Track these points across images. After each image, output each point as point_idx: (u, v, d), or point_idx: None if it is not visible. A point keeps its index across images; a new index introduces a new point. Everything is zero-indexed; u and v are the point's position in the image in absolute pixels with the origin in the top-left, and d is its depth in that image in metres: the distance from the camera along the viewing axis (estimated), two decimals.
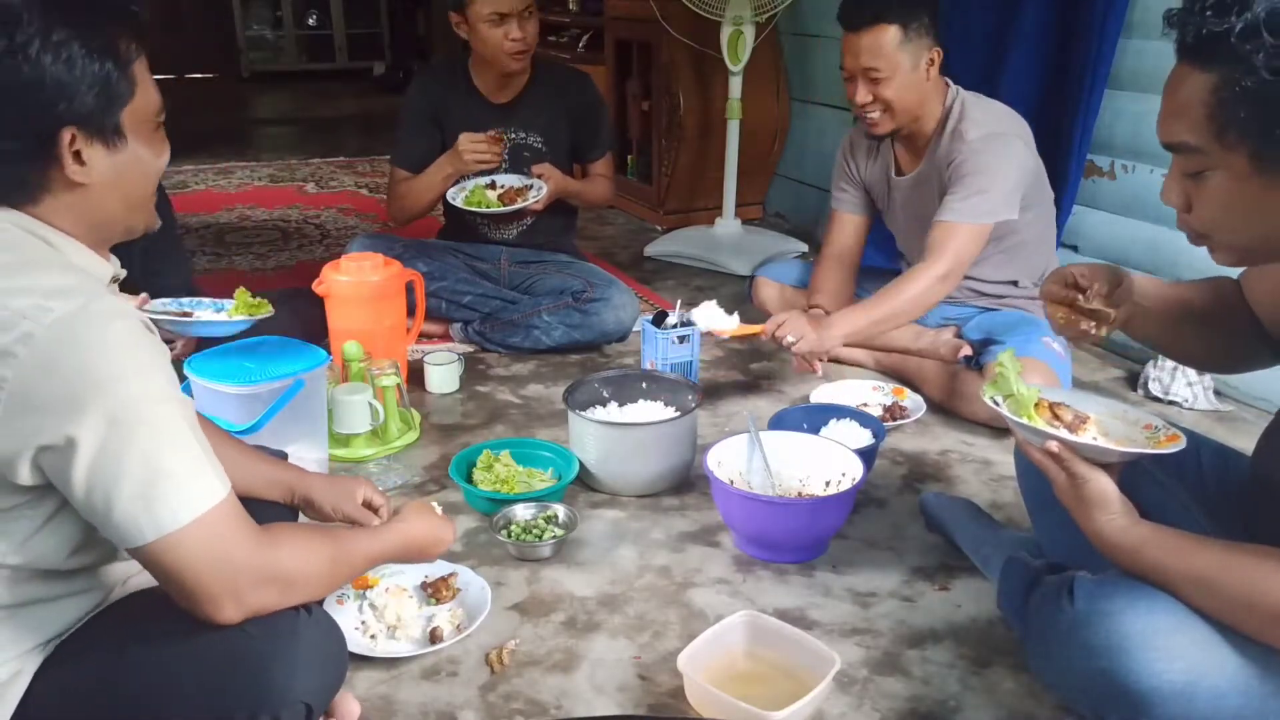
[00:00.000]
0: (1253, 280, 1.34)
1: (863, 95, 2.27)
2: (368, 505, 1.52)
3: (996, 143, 2.24)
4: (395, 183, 2.82)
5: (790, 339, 2.20)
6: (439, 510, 1.47)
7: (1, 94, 1.00)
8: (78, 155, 1.04)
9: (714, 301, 2.36)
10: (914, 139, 2.39)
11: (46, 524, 1.05)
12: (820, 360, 2.29)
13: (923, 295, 2.22)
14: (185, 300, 1.93)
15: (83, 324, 0.97)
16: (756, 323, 2.33)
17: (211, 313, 1.90)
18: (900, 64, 2.23)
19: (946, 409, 2.39)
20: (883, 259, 2.81)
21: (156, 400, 1.00)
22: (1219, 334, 1.38)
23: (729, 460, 1.89)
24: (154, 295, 1.95)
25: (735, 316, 2.32)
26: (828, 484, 1.88)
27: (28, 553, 1.05)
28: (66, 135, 1.03)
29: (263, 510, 1.45)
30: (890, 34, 2.21)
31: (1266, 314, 1.32)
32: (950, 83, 2.35)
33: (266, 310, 1.90)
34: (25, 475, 0.98)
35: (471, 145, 2.62)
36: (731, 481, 1.84)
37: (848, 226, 2.61)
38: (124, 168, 1.09)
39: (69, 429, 0.95)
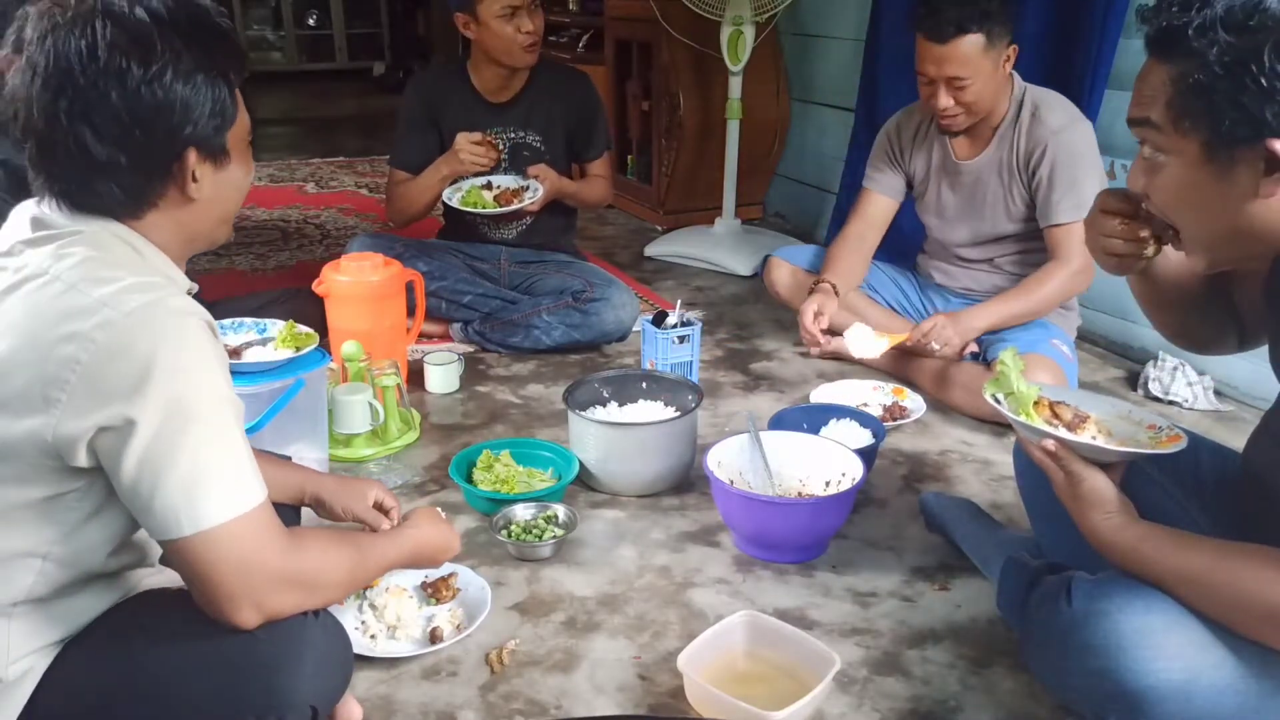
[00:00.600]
0: (1240, 282, 1.35)
1: (945, 101, 2.26)
2: (378, 507, 1.53)
3: (1078, 129, 2.28)
4: (394, 184, 2.82)
5: (936, 346, 2.30)
6: (443, 516, 1.48)
7: (138, 117, 1.04)
8: (193, 174, 1.10)
9: (862, 325, 2.41)
10: (976, 126, 2.38)
11: (94, 516, 1.07)
12: (821, 342, 2.39)
13: (1056, 295, 2.31)
14: (226, 322, 1.92)
15: (158, 316, 1.01)
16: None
17: (256, 335, 1.90)
18: (983, 69, 2.23)
19: (940, 401, 2.40)
20: (883, 255, 2.80)
21: (215, 399, 1.04)
22: (1208, 310, 1.39)
23: (729, 460, 1.89)
24: None
25: (885, 339, 2.37)
26: (828, 484, 1.88)
27: (73, 543, 1.07)
28: (191, 156, 1.09)
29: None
30: (974, 42, 2.20)
31: (1242, 299, 1.34)
32: (1015, 74, 2.36)
33: (313, 343, 1.90)
34: (81, 457, 1.01)
35: (469, 146, 2.63)
36: (731, 481, 1.84)
37: (878, 207, 2.59)
38: (225, 185, 1.15)
39: (130, 411, 0.98)
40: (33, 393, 0.99)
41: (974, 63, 2.21)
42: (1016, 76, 2.36)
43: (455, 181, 2.73)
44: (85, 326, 0.99)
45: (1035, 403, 1.33)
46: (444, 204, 2.76)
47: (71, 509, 1.06)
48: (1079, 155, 2.27)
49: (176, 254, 1.16)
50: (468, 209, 2.70)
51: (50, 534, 1.06)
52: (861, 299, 2.62)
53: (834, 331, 2.44)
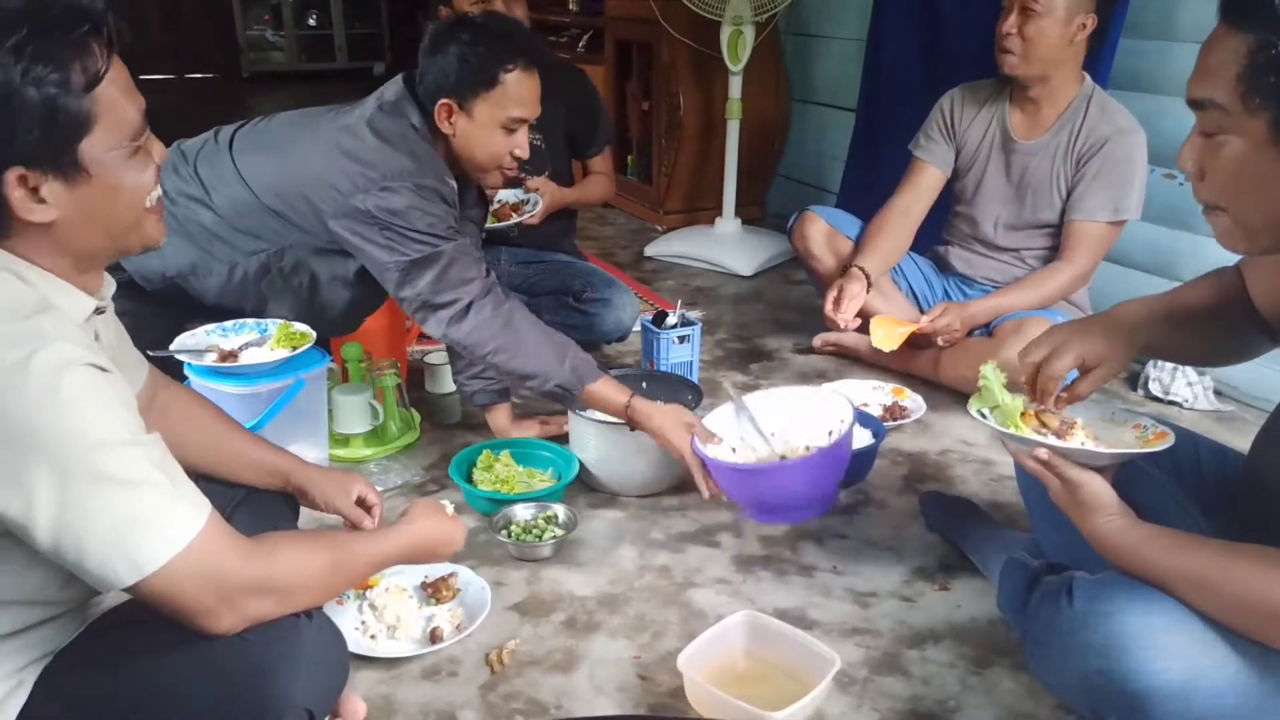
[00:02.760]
0: (1254, 269, 1.34)
1: (1010, 25, 2.27)
2: (361, 503, 1.52)
3: (1140, 136, 2.30)
4: None
5: (942, 341, 2.41)
6: (450, 509, 1.46)
7: None
8: (35, 192, 0.97)
9: (885, 318, 2.46)
10: (1039, 105, 2.38)
11: (34, 562, 1.00)
12: (840, 325, 2.44)
13: (1065, 290, 2.38)
14: (228, 324, 1.93)
15: (26, 378, 0.91)
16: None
17: (256, 335, 1.90)
18: (1056, 7, 2.23)
19: (947, 382, 2.44)
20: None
21: (112, 448, 0.95)
22: (1221, 329, 1.37)
23: (722, 430, 1.86)
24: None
25: (904, 330, 2.42)
26: (830, 433, 1.83)
27: (21, 588, 1.04)
28: (11, 176, 0.95)
29: (268, 503, 1.46)
30: None
31: (1265, 302, 1.32)
32: (1086, 74, 2.37)
33: (308, 342, 1.90)
34: None
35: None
36: (734, 450, 1.84)
37: (928, 179, 2.57)
38: (94, 200, 1.01)
39: (22, 489, 0.91)
40: None
41: None
42: (1089, 77, 2.37)
43: None
44: None
45: (1022, 414, 1.33)
46: None
47: (10, 559, 1.00)
48: (1133, 161, 2.29)
49: (70, 271, 1.05)
50: None
51: None
52: (887, 283, 2.60)
53: (862, 314, 2.46)
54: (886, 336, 2.41)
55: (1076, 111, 2.34)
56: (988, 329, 2.43)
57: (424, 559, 1.39)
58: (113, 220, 1.05)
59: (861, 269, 2.47)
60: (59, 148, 0.97)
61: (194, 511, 1.01)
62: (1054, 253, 2.43)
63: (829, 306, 2.42)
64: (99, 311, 1.12)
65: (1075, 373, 1.37)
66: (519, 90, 1.90)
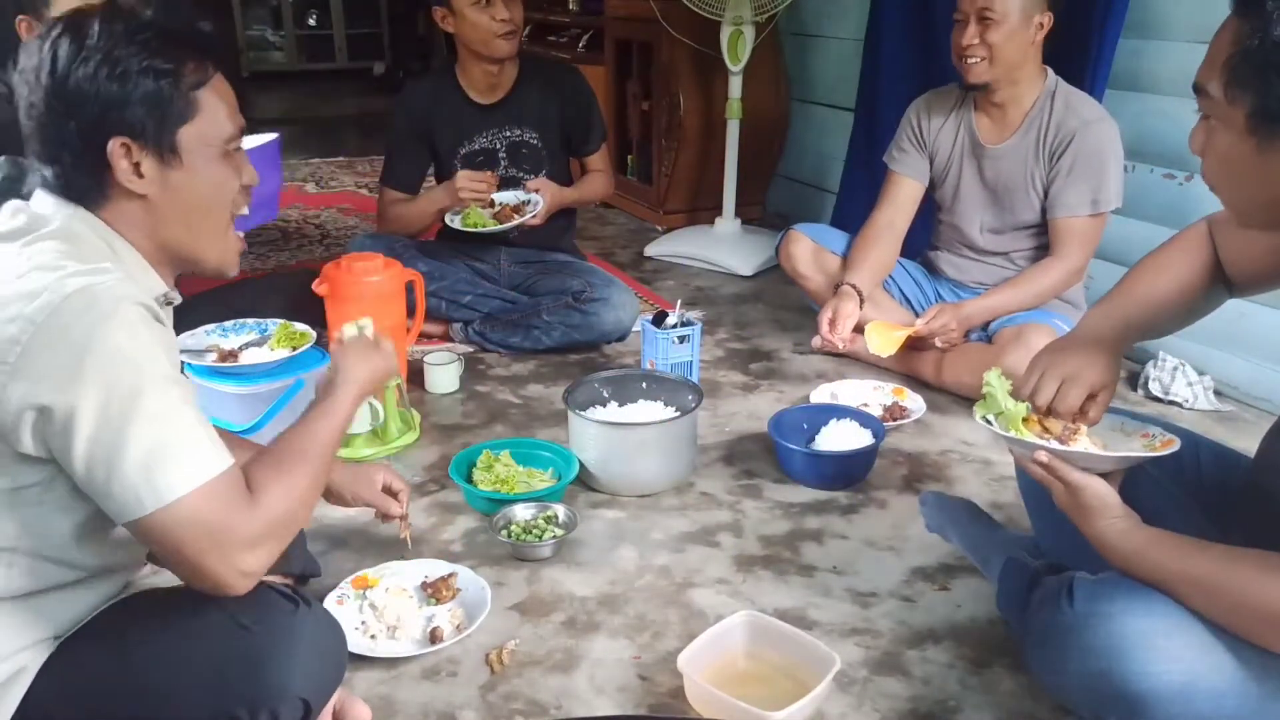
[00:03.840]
0: (1225, 230, 1.36)
1: (970, 36, 2.28)
2: (388, 490, 1.56)
3: (1110, 126, 2.30)
4: (387, 204, 2.84)
5: (940, 343, 2.39)
6: (369, 331, 1.40)
7: (59, 101, 1.06)
8: (137, 167, 1.10)
9: (880, 323, 2.45)
10: (1005, 109, 2.39)
11: (57, 510, 1.06)
12: (837, 346, 2.43)
13: (1056, 288, 2.38)
14: (228, 324, 1.93)
15: (95, 300, 1.00)
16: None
17: (256, 335, 1.90)
18: (1013, 11, 2.24)
19: (948, 386, 2.43)
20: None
21: (157, 379, 1.02)
22: (1192, 304, 1.41)
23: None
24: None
25: (900, 333, 2.41)
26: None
27: (37, 537, 1.06)
28: (115, 144, 1.08)
29: None
30: None
31: (1232, 260, 1.36)
32: (1049, 69, 2.37)
33: (308, 342, 1.90)
34: (27, 442, 1.00)
35: (470, 185, 2.63)
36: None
37: (907, 191, 2.57)
38: (181, 186, 1.13)
39: (70, 395, 0.97)
40: None
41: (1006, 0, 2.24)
42: (1051, 72, 2.37)
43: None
44: (28, 309, 0.99)
45: (1025, 419, 1.33)
46: (444, 223, 2.77)
47: (32, 503, 1.05)
48: (1105, 151, 2.28)
49: (152, 256, 1.15)
50: (469, 229, 2.70)
51: (12, 528, 1.05)
52: (880, 294, 2.60)
53: (857, 325, 2.46)
54: (883, 342, 2.41)
55: (1042, 109, 2.34)
56: (987, 334, 2.42)
57: (370, 393, 1.38)
58: (194, 211, 1.15)
59: (853, 286, 2.46)
60: (161, 127, 1.10)
61: (218, 455, 1.05)
62: (1042, 252, 2.43)
63: (824, 328, 2.40)
64: (168, 302, 1.18)
65: None
66: None
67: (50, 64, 1.06)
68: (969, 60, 2.31)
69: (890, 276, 2.63)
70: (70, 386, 0.97)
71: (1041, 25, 2.28)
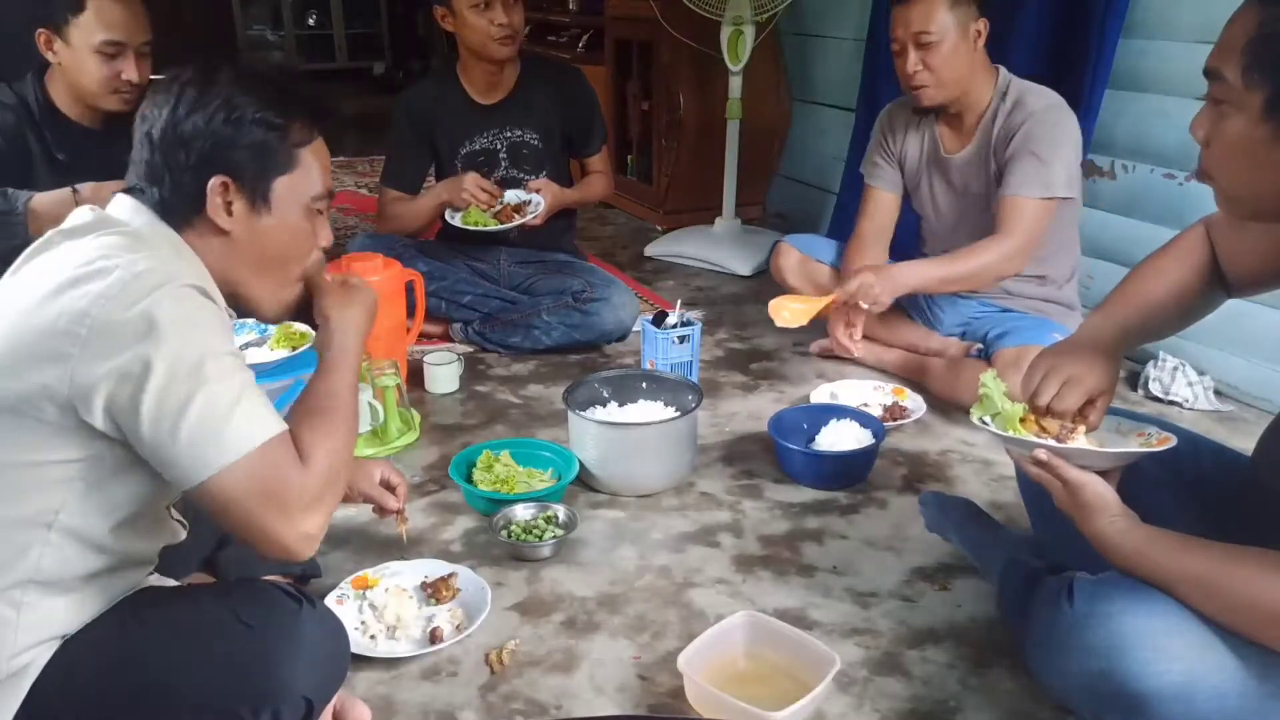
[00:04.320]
0: (1222, 231, 1.37)
1: (913, 63, 2.28)
2: (385, 485, 1.58)
3: (1059, 114, 2.26)
4: (386, 203, 2.84)
5: (865, 304, 2.27)
6: (354, 280, 1.41)
7: (177, 132, 1.16)
8: (229, 205, 1.18)
9: (783, 298, 2.41)
10: (962, 117, 2.38)
11: (101, 487, 1.09)
12: (855, 352, 2.40)
13: (994, 268, 2.28)
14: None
15: (164, 280, 1.06)
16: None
17: (256, 335, 1.91)
18: (949, 29, 2.24)
19: (950, 401, 2.40)
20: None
21: (220, 353, 1.08)
22: (1188, 307, 1.41)
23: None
24: None
25: (809, 305, 2.35)
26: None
27: (78, 514, 1.08)
28: (216, 181, 1.17)
29: None
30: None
31: (1230, 261, 1.36)
32: (1001, 67, 2.36)
33: (308, 342, 1.91)
34: (97, 413, 1.03)
35: (475, 189, 2.63)
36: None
37: (885, 204, 2.57)
38: (264, 231, 1.21)
39: (143, 354, 1.02)
40: (48, 346, 1.03)
41: (938, 19, 2.23)
42: (1003, 70, 2.35)
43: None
44: (98, 285, 1.04)
45: (1021, 419, 1.33)
46: (445, 222, 2.77)
47: (78, 478, 1.07)
48: (1053, 137, 2.23)
49: (219, 280, 1.21)
50: (469, 227, 2.70)
51: (56, 501, 1.07)
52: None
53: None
54: (792, 315, 2.35)
55: (994, 112, 2.33)
56: (985, 354, 2.37)
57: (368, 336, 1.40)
58: (268, 259, 1.24)
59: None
60: (259, 174, 1.19)
61: (275, 418, 1.11)
62: (1033, 249, 2.39)
63: (841, 334, 2.39)
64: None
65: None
66: (109, 14, 2.09)
67: (177, 98, 1.16)
68: (917, 87, 2.32)
69: None
70: (143, 347, 1.02)
71: (979, 33, 2.28)
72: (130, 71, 2.13)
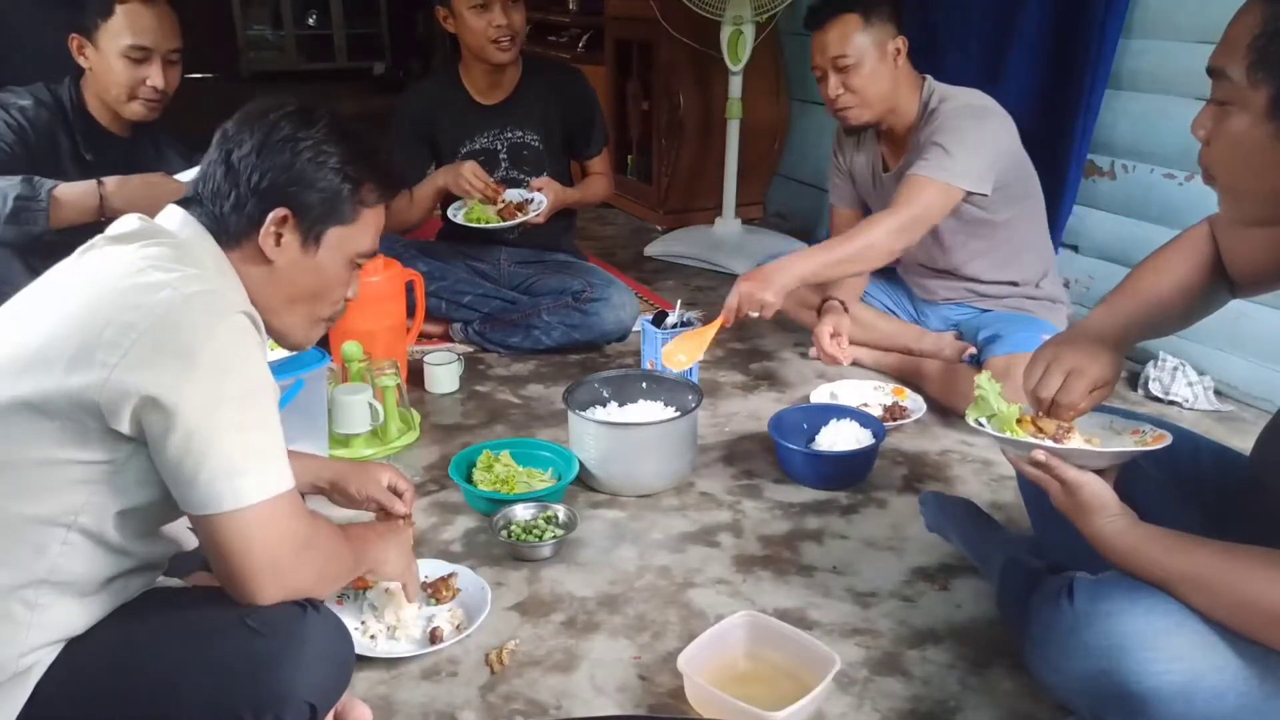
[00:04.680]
0: (1226, 229, 1.36)
1: (834, 88, 2.30)
2: (393, 489, 1.58)
3: (969, 113, 2.25)
4: None
5: (753, 313, 2.14)
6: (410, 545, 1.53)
7: (262, 159, 1.21)
8: (279, 237, 1.22)
9: (669, 339, 2.27)
10: (894, 133, 2.38)
11: (124, 492, 1.10)
12: (842, 360, 2.37)
13: (880, 243, 2.18)
14: None
15: (214, 305, 1.09)
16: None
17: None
18: (866, 50, 2.26)
19: (946, 407, 2.39)
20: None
21: (256, 387, 1.11)
22: (1192, 304, 1.41)
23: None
24: None
25: (700, 340, 2.20)
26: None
27: (99, 516, 1.10)
28: (278, 213, 1.21)
29: None
30: (852, 21, 2.26)
31: (1234, 260, 1.35)
32: (928, 77, 2.35)
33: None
34: (125, 422, 1.05)
35: (474, 178, 2.62)
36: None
37: (849, 220, 2.58)
38: (305, 270, 1.26)
39: (179, 386, 1.04)
40: (88, 352, 1.04)
41: (853, 41, 2.25)
42: (929, 80, 2.35)
43: (457, 198, 2.73)
44: (149, 300, 1.06)
45: (1018, 420, 1.33)
46: (448, 220, 2.76)
47: (100, 481, 1.08)
48: (960, 130, 2.20)
49: (252, 304, 1.23)
50: (472, 224, 2.69)
51: (79, 502, 1.08)
52: (866, 310, 2.61)
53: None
54: (688, 357, 2.20)
55: (921, 121, 2.32)
56: (978, 361, 2.35)
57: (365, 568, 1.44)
58: (301, 296, 1.28)
59: (838, 300, 2.46)
60: (321, 218, 1.24)
61: (290, 471, 1.14)
62: (995, 253, 2.39)
63: (828, 345, 2.36)
64: None
65: None
66: (137, 19, 2.11)
67: (271, 127, 1.22)
68: (842, 111, 2.33)
69: (869, 292, 2.64)
70: (181, 379, 1.04)
71: (899, 50, 2.28)
72: (157, 78, 2.14)
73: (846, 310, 2.46)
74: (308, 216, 1.23)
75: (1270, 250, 1.29)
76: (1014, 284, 2.45)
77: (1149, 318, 1.40)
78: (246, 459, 1.08)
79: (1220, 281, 1.39)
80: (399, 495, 1.58)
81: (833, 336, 2.38)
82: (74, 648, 1.11)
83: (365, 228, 1.30)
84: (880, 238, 2.18)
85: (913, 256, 2.53)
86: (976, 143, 2.21)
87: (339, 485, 1.54)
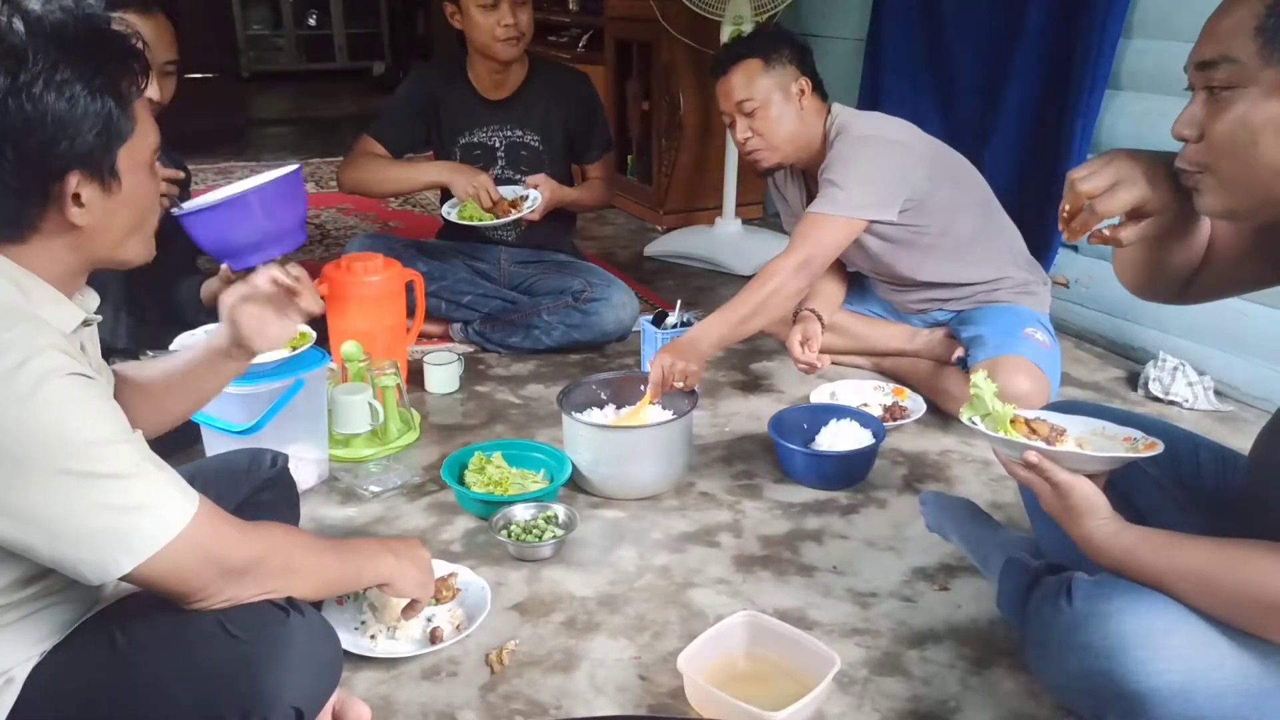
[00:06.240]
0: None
1: (741, 132, 2.31)
2: (278, 284, 1.37)
3: (860, 144, 2.24)
4: (363, 152, 2.76)
5: (679, 384, 2.10)
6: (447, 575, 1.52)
7: (5, 134, 0.97)
8: (77, 198, 1.03)
9: (670, 337, 2.27)
10: (811, 169, 2.38)
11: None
12: (818, 365, 2.35)
13: (784, 286, 2.19)
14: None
15: (16, 384, 0.94)
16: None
17: None
18: (769, 93, 2.27)
19: (937, 406, 2.39)
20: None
21: (103, 444, 0.99)
22: (1196, 250, 1.34)
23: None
24: (167, 312, 1.97)
25: (630, 418, 2.11)
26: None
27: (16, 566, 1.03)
28: (73, 179, 1.02)
29: (269, 503, 1.51)
30: (753, 66, 2.27)
31: (1217, 239, 1.33)
32: (833, 107, 2.35)
33: (308, 342, 1.91)
34: None
35: (484, 192, 2.61)
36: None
37: None
38: (117, 210, 1.08)
39: (19, 494, 0.95)
40: None
41: (756, 84, 2.26)
42: (832, 109, 2.34)
43: (448, 194, 2.73)
44: None
45: (1011, 421, 1.33)
46: (442, 219, 2.76)
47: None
48: (846, 165, 2.21)
49: (67, 281, 1.10)
50: (464, 222, 2.69)
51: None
52: (848, 316, 2.60)
53: (826, 350, 2.44)
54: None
55: (823, 156, 2.31)
56: (965, 364, 2.33)
57: (387, 589, 1.40)
58: (128, 230, 1.11)
59: (811, 310, 2.45)
60: (107, 151, 1.04)
61: (186, 499, 1.05)
62: (944, 259, 2.37)
63: (797, 351, 2.35)
64: (85, 324, 1.14)
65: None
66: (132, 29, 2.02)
67: None
68: (751, 154, 2.34)
69: (858, 299, 2.63)
70: (16, 484, 0.94)
71: (803, 90, 2.29)
72: (152, 90, 2.12)
73: (821, 320, 2.44)
74: (93, 161, 1.02)
75: (1238, 238, 1.27)
76: (976, 282, 2.42)
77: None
78: (128, 516, 0.99)
79: (1245, 263, 1.31)
80: (294, 282, 1.38)
81: (803, 343, 2.37)
82: (53, 657, 1.09)
83: (144, 122, 1.08)
84: (782, 281, 2.18)
85: (875, 276, 2.53)
86: (867, 173, 2.22)
87: (237, 322, 1.36)
